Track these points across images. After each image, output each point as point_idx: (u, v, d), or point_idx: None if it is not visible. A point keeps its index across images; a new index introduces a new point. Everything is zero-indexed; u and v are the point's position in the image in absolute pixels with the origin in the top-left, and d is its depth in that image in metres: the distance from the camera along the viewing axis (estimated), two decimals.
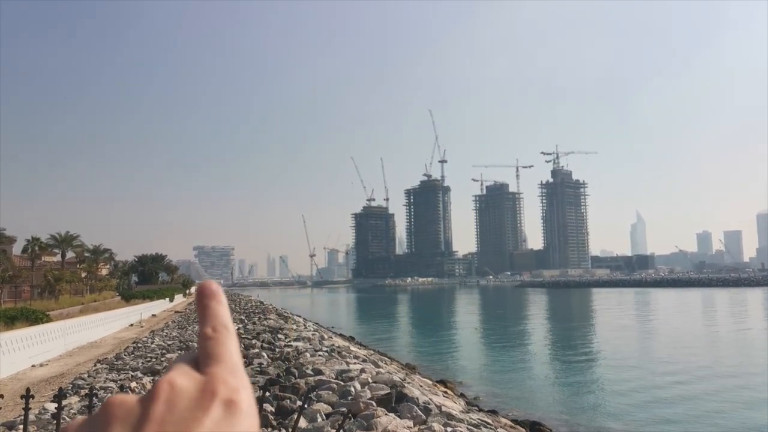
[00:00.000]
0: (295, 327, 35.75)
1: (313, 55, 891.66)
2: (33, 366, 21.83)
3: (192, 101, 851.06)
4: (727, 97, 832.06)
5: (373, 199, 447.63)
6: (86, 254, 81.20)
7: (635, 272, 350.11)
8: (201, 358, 0.59)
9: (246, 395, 0.56)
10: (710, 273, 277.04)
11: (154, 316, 53.38)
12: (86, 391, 14.26)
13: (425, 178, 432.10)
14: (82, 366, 21.98)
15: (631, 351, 35.88)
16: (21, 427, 11.79)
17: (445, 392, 20.49)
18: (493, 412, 18.16)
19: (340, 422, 6.26)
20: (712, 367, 29.03)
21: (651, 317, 66.32)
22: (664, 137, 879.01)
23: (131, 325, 41.93)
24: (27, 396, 4.56)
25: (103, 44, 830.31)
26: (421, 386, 18.47)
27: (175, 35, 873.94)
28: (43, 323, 25.56)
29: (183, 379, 0.56)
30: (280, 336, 28.94)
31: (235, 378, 0.56)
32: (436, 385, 22.03)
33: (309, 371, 17.08)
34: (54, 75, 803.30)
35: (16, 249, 74.59)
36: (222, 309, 0.64)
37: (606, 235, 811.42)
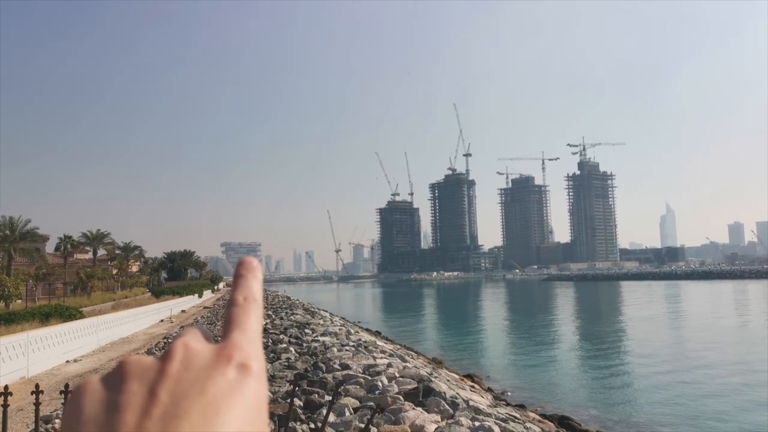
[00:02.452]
0: (321, 322, 35.95)
1: (337, 51, 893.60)
2: (67, 361, 22.30)
3: (218, 100, 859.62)
4: (758, 84, 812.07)
5: (398, 194, 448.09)
6: (117, 251, 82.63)
7: (665, 264, 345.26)
8: (225, 322, 0.61)
9: (259, 363, 0.57)
10: (742, 265, 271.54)
11: (183, 311, 54.13)
12: None
13: (450, 172, 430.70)
14: (114, 361, 22.36)
15: (661, 345, 35.36)
16: (57, 420, 12.09)
17: (473, 386, 20.43)
18: (521, 407, 18.07)
19: (369, 416, 6.28)
20: (743, 362, 28.44)
21: (681, 310, 65.25)
22: (693, 127, 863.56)
23: (161, 320, 42.59)
24: (66, 392, 4.68)
25: (128, 42, 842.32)
26: (448, 381, 18.46)
27: (199, 33, 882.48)
28: (76, 319, 26.07)
29: (197, 342, 0.57)
30: (307, 331, 29.13)
31: (251, 346, 0.58)
32: (463, 380, 21.97)
33: (336, 366, 17.17)
34: (81, 74, 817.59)
35: (49, 247, 76.28)
36: (256, 284, 0.65)
37: (635, 227, 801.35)
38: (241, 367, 0.55)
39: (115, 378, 0.54)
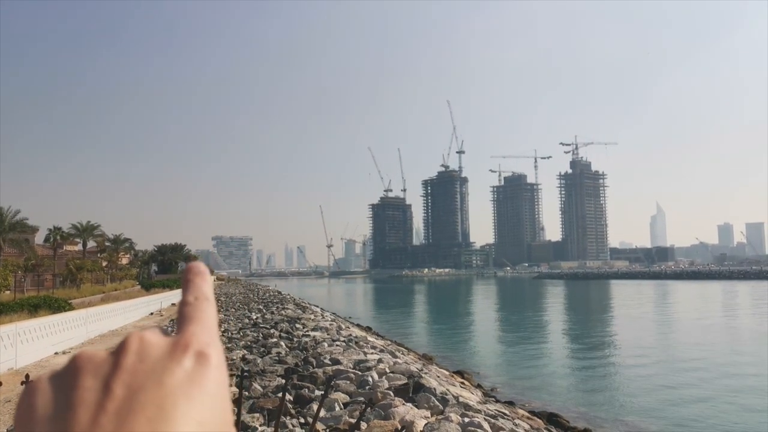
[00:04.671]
0: (312, 317, 35.91)
1: (331, 47, 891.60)
2: (56, 353, 22.18)
3: (211, 93, 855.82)
4: (749, 86, 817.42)
5: (391, 190, 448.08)
6: (107, 244, 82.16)
7: (655, 264, 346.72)
8: (178, 321, 0.59)
9: (217, 351, 0.56)
10: (731, 265, 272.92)
11: (173, 305, 53.91)
12: None
13: (443, 169, 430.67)
14: None
15: (650, 344, 35.58)
16: None
17: (462, 383, 20.48)
18: (510, 403, 18.13)
19: (361, 410, 6.29)
20: (730, 360, 28.70)
21: (670, 310, 65.66)
22: (684, 128, 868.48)
23: (151, 314, 42.43)
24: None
25: (118, 32, 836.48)
26: (438, 377, 18.49)
27: (195, 27, 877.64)
28: (65, 311, 25.93)
29: (152, 335, 0.56)
30: (298, 326, 29.10)
31: (208, 335, 0.57)
32: (453, 376, 22.03)
33: (327, 361, 17.16)
34: (70, 67, 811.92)
35: (39, 238, 75.81)
36: (205, 285, 0.64)
37: (625, 227, 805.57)
38: (198, 356, 0.54)
39: (68, 374, 0.53)
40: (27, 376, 4.63)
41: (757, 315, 54.85)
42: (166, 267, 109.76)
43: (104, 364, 0.52)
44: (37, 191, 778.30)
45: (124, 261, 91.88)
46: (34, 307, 25.62)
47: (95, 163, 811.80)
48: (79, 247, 77.47)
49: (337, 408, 11.49)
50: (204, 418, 0.50)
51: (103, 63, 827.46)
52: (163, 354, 0.53)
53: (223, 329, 27.14)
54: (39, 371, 18.09)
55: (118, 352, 0.53)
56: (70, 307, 27.47)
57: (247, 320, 32.45)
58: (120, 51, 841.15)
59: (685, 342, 35.82)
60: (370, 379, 14.06)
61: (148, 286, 63.37)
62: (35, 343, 20.63)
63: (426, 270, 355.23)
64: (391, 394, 12.54)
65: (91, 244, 78.16)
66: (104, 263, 74.11)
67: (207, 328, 0.58)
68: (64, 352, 22.66)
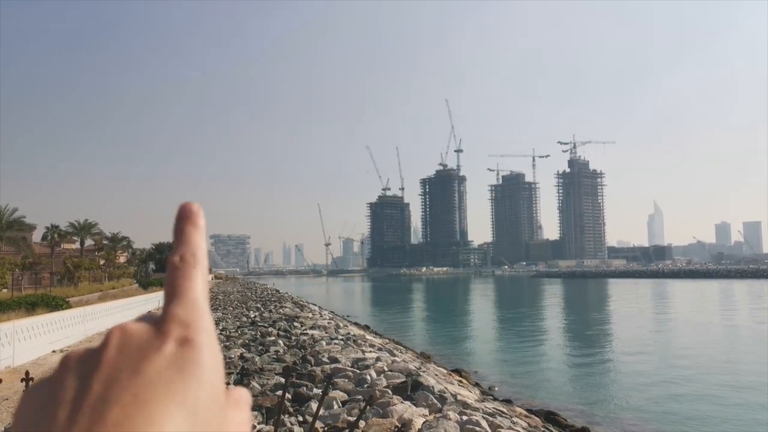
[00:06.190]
0: (310, 315, 35.92)
1: (329, 46, 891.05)
2: (53, 351, 22.14)
3: (209, 92, 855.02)
4: (746, 85, 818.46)
5: (389, 189, 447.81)
6: (104, 242, 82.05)
7: (652, 263, 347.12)
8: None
9: (203, 332, 0.53)
10: (729, 264, 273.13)
11: None
12: None
13: (441, 168, 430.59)
14: None
15: (647, 342, 35.62)
16: None
17: (460, 381, 20.49)
18: (508, 402, 18.14)
19: (360, 408, 6.30)
20: (728, 359, 28.74)
21: (668, 308, 65.71)
22: (682, 127, 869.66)
23: (149, 312, 42.35)
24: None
25: (114, 32, 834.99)
26: (436, 375, 18.50)
27: (193, 25, 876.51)
28: (63, 309, 25.89)
29: (136, 325, 0.54)
30: (296, 324, 29.10)
31: (191, 316, 0.53)
32: (451, 374, 22.04)
33: (325, 359, 17.17)
34: (68, 66, 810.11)
35: (36, 236, 75.67)
36: (196, 235, 0.58)
37: (623, 226, 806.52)
38: (181, 342, 0.51)
39: (56, 375, 0.52)
40: (27, 373, 4.63)
41: (754, 313, 54.94)
42: (163, 265, 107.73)
43: (87, 362, 0.51)
44: (35, 189, 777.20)
45: (122, 259, 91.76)
46: (32, 306, 25.58)
47: (93, 161, 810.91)
48: (77, 245, 77.42)
49: (336, 406, 11.50)
50: (186, 400, 0.48)
51: (101, 62, 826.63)
52: (143, 342, 0.51)
53: (221, 327, 27.14)
54: (36, 369, 18.06)
55: (99, 347, 0.52)
56: (67, 306, 27.45)
57: (245, 318, 32.45)
58: (117, 51, 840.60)
59: (682, 340, 35.87)
60: (368, 377, 14.07)
61: (146, 284, 63.22)
62: (33, 341, 20.60)
63: (424, 269, 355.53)
64: (390, 392, 12.55)
65: (88, 242, 78.10)
66: (102, 261, 74.04)
67: (190, 304, 0.54)
68: (61, 350, 22.62)
